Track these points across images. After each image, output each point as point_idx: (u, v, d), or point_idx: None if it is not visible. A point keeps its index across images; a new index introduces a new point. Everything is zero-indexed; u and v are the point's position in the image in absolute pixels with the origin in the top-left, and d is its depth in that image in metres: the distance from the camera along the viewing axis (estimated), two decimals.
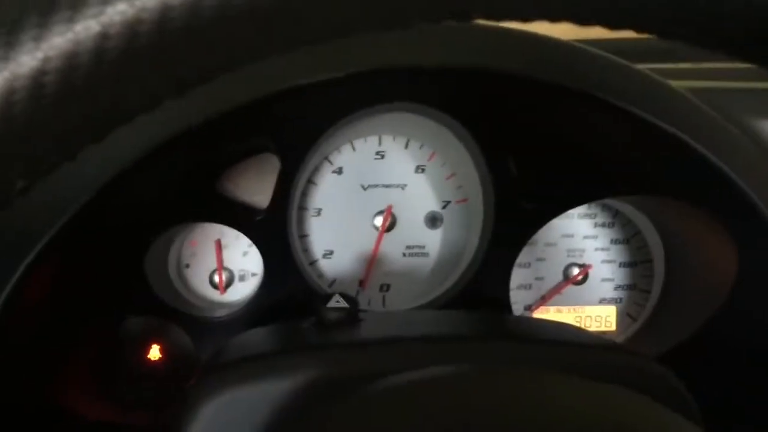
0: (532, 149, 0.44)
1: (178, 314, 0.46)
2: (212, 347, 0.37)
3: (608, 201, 0.51)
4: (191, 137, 0.35)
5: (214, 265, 0.50)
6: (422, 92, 0.40)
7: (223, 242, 0.50)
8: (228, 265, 0.51)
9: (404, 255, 0.52)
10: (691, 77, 0.48)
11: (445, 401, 0.22)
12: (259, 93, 0.35)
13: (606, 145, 0.41)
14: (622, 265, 0.53)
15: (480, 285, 0.47)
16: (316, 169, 0.51)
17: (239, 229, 0.44)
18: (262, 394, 0.29)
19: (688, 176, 0.40)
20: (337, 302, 0.37)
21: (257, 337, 0.35)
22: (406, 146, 0.51)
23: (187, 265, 0.50)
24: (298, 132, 0.41)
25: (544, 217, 0.45)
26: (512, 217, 0.45)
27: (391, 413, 0.21)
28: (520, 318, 0.48)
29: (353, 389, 0.23)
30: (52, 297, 0.39)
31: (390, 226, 0.51)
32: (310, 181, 0.51)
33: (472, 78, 0.37)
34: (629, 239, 0.52)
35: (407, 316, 0.42)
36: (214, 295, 0.51)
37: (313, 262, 0.51)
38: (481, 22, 0.17)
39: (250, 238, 0.44)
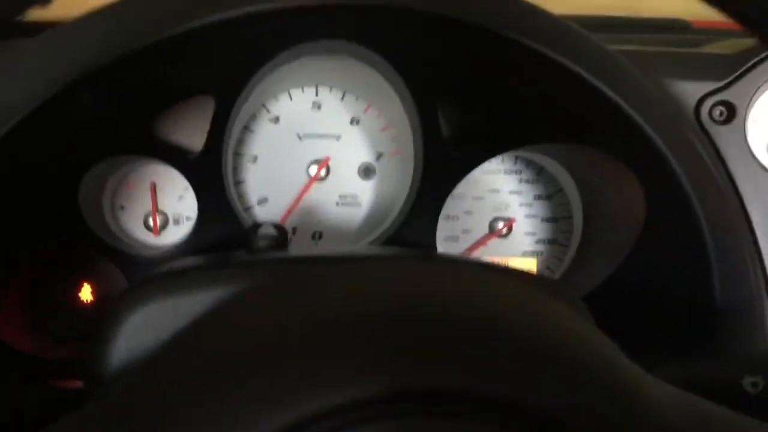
0: (460, 96, 0.46)
1: (112, 251, 0.47)
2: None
3: (533, 157, 0.54)
4: (123, 66, 0.36)
5: (149, 207, 0.51)
6: (354, 31, 0.41)
7: (158, 185, 0.51)
8: (163, 209, 0.51)
9: (337, 204, 0.53)
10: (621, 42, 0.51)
11: (343, 286, 0.23)
12: (192, 24, 0.36)
13: (530, 93, 0.44)
14: (543, 220, 0.56)
15: (408, 234, 0.49)
16: (253, 117, 0.52)
17: (174, 166, 0.45)
18: (187, 304, 0.30)
19: (604, 124, 0.42)
20: (268, 230, 0.38)
21: (186, 261, 0.36)
22: (342, 98, 0.53)
23: (122, 207, 0.51)
24: (232, 67, 0.42)
25: (470, 165, 0.47)
26: (440, 166, 0.47)
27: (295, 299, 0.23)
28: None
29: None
30: None
31: (324, 175, 0.53)
32: (247, 128, 0.52)
33: (402, 19, 0.38)
34: (552, 195, 0.55)
35: (335, 247, 0.44)
36: (149, 237, 0.51)
37: (247, 209, 0.52)
38: None
39: (185, 176, 0.45)
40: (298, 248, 0.39)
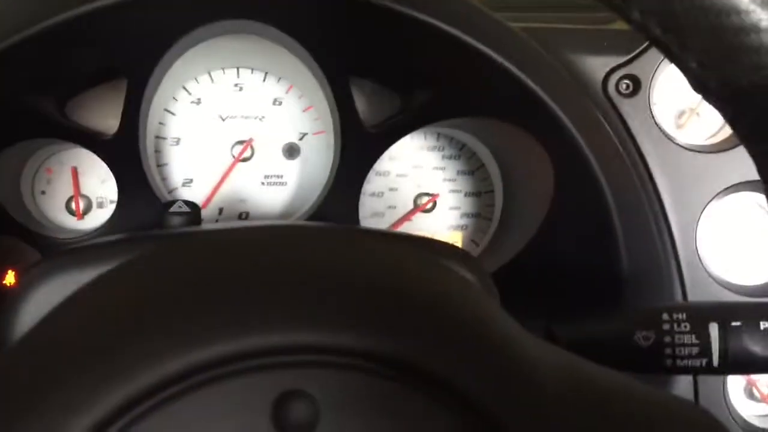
0: (374, 75, 0.47)
1: (33, 236, 0.47)
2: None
3: (454, 133, 0.55)
4: (30, 46, 0.36)
5: (70, 192, 0.51)
6: (259, 11, 0.42)
7: (79, 169, 0.51)
8: (85, 193, 0.51)
9: (262, 184, 0.54)
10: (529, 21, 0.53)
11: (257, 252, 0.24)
12: (95, 4, 0.36)
13: (437, 69, 0.45)
14: (467, 194, 0.57)
15: (331, 211, 0.50)
16: (174, 100, 0.52)
17: (90, 148, 0.45)
18: (84, 279, 0.30)
19: (509, 100, 0.44)
20: (179, 207, 0.38)
21: (94, 240, 0.36)
22: (264, 79, 0.53)
23: (43, 192, 0.51)
24: (140, 48, 0.42)
25: (388, 142, 0.48)
26: (358, 144, 0.48)
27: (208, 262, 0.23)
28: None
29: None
30: None
31: (249, 156, 0.53)
32: (168, 111, 0.52)
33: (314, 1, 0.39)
34: (474, 171, 0.57)
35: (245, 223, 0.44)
36: (71, 221, 0.51)
37: (172, 191, 0.53)
38: None
39: (102, 158, 0.45)
40: (211, 225, 0.40)
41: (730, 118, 0.23)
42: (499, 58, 0.41)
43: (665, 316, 0.36)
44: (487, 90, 0.44)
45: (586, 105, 0.45)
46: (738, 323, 0.35)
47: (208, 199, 0.53)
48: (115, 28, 0.39)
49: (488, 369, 0.21)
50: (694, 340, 0.35)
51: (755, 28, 0.21)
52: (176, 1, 0.38)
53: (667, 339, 0.35)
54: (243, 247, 0.23)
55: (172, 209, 0.38)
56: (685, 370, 0.35)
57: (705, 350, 0.35)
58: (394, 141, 0.49)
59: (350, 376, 0.20)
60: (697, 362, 0.35)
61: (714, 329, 0.35)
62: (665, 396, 0.25)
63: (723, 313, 0.35)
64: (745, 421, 0.51)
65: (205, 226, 0.40)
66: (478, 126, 0.51)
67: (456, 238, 0.57)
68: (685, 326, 0.35)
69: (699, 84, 0.23)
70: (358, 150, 0.49)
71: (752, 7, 0.21)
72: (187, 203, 0.39)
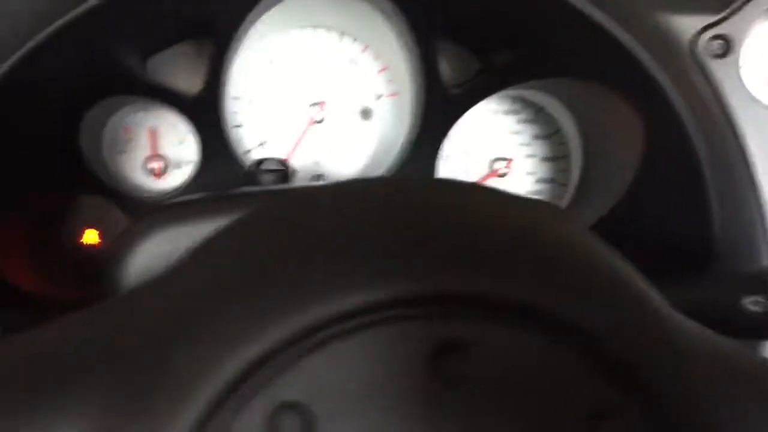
0: (460, 33, 0.46)
1: (115, 194, 0.47)
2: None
3: (531, 96, 0.54)
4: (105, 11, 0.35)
5: (148, 152, 0.51)
6: None
7: (158, 130, 0.51)
8: (163, 153, 0.51)
9: (336, 146, 0.54)
10: None
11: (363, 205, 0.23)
12: None
13: (531, 27, 0.44)
14: (543, 159, 0.56)
15: (408, 173, 0.50)
16: (250, 60, 0.52)
17: (175, 107, 0.45)
18: (198, 232, 0.30)
19: (604, 59, 0.42)
20: (271, 165, 0.38)
21: (193, 196, 0.36)
22: (340, 39, 0.53)
23: (122, 152, 0.51)
24: (228, 6, 0.42)
25: (469, 104, 0.47)
26: (438, 106, 0.47)
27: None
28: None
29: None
30: None
31: (322, 118, 0.53)
32: (244, 71, 0.51)
33: None
34: (550, 135, 0.55)
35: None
36: (149, 182, 0.51)
37: (246, 152, 0.52)
38: None
39: (187, 117, 0.45)
40: (304, 184, 0.39)
41: None
42: (595, 15, 0.39)
43: None
44: (578, 49, 0.43)
45: (683, 67, 0.43)
46: None
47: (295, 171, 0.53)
48: None
49: (633, 325, 0.21)
50: None
51: None
52: None
53: None
54: (379, 198, 0.22)
55: (263, 166, 0.38)
56: None
57: None
58: (475, 103, 0.48)
59: (507, 330, 0.19)
60: None
61: None
62: None
63: None
64: None
65: (300, 184, 0.39)
66: (560, 87, 0.50)
67: None
68: None
69: None
70: (438, 112, 0.48)
71: None
72: (278, 161, 0.39)
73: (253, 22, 0.45)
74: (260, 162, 0.38)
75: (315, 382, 0.19)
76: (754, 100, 0.49)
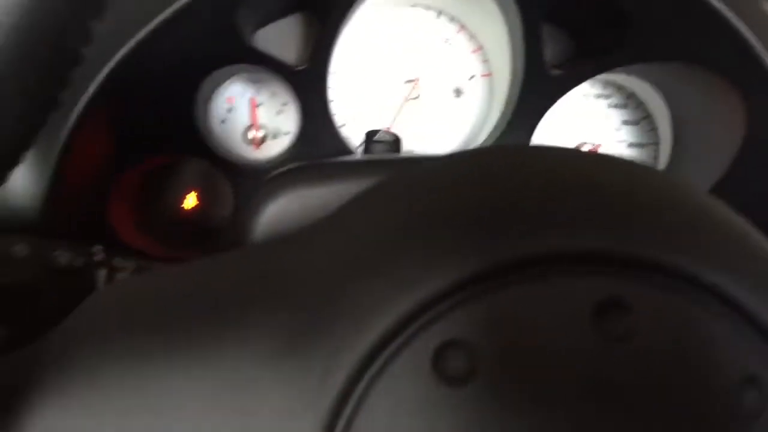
0: (562, 15, 0.46)
1: (222, 161, 0.49)
2: (252, 193, 0.39)
3: (623, 81, 0.54)
4: None
5: (248, 122, 0.53)
6: None
7: (257, 100, 0.53)
8: (262, 123, 0.53)
9: (428, 123, 0.55)
10: None
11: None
12: None
13: (637, 8, 0.44)
14: (630, 145, 0.56)
15: None
16: (349, 35, 0.53)
17: (282, 75, 0.46)
18: (326, 194, 0.31)
19: (711, 41, 0.42)
20: (384, 136, 0.39)
21: (314, 161, 0.38)
22: (437, 18, 0.53)
23: (223, 121, 0.53)
24: None
25: (569, 85, 0.48)
26: (537, 85, 0.48)
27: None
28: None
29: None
30: (108, 135, 0.42)
31: (416, 95, 0.54)
32: (344, 46, 0.53)
33: None
34: (639, 121, 0.56)
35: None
36: (248, 151, 0.53)
37: (341, 126, 0.54)
38: None
39: (293, 87, 0.47)
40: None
41: None
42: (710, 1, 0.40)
43: None
44: (683, 31, 0.43)
45: None
46: None
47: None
48: None
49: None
50: None
51: None
52: None
53: None
54: (521, 160, 0.23)
55: (376, 138, 0.39)
56: None
57: None
58: (574, 85, 0.48)
59: (668, 291, 0.20)
60: None
61: None
62: None
63: None
64: None
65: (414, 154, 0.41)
66: (655, 72, 0.50)
67: None
68: None
69: None
70: (536, 92, 0.48)
71: None
72: (389, 133, 0.40)
73: (358, 6, 0.47)
74: (374, 133, 0.40)
75: (482, 326, 0.20)
76: None
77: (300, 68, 0.46)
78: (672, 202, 0.22)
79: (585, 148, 0.56)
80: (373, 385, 0.20)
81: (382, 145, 0.40)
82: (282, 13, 0.48)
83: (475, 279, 0.20)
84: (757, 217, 0.47)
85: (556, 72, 0.48)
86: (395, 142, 0.40)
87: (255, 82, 0.52)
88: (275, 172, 0.34)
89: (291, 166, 0.34)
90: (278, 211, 0.31)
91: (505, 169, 0.22)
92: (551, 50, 0.51)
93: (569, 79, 0.47)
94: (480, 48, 0.54)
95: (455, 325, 0.20)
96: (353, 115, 0.54)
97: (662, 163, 0.55)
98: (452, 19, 0.53)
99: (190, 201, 0.52)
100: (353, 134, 0.54)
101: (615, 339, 0.20)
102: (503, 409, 0.20)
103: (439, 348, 0.20)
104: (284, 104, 0.52)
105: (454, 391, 0.20)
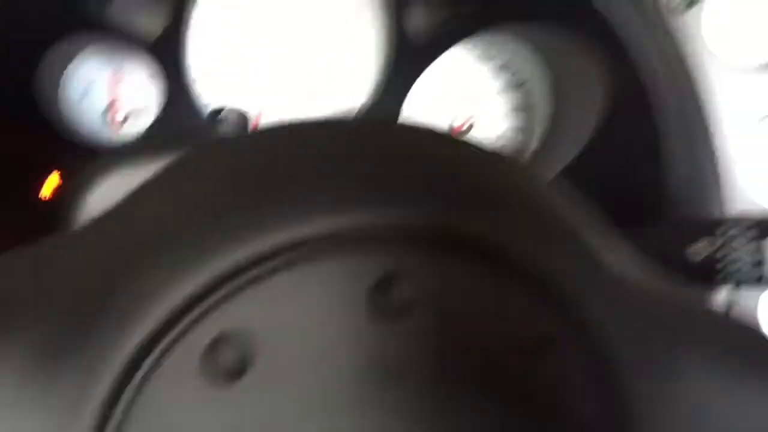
0: None
1: (73, 142, 0.47)
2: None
3: (498, 46, 0.54)
4: None
5: (107, 100, 0.50)
6: None
7: (117, 77, 0.50)
8: (122, 101, 0.51)
9: (305, 97, 0.53)
10: None
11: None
12: None
13: None
14: (510, 110, 0.56)
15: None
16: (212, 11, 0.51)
17: (135, 47, 0.44)
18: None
19: (566, 4, 0.42)
20: (229, 114, 0.38)
21: (146, 141, 0.36)
22: None
23: (82, 99, 0.50)
24: None
25: (433, 53, 0.47)
26: (403, 55, 0.47)
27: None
28: None
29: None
30: None
31: (290, 67, 0.52)
32: (204, 16, 0.51)
33: None
34: (518, 86, 0.56)
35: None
36: (108, 130, 0.51)
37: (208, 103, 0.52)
38: None
39: (148, 60, 0.45)
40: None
41: None
42: None
43: (720, 229, 0.35)
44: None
45: (645, 19, 0.43)
46: None
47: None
48: None
49: (574, 261, 0.21)
50: (749, 254, 0.35)
51: None
52: None
53: (720, 253, 0.35)
54: (325, 135, 0.22)
55: (222, 115, 0.38)
56: (739, 283, 0.35)
57: (760, 262, 0.35)
58: (440, 53, 0.48)
59: (446, 260, 0.19)
60: (752, 275, 0.35)
61: None
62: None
63: None
64: None
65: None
66: (528, 33, 0.50)
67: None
68: (742, 240, 0.35)
69: None
70: (402, 63, 0.48)
71: None
72: (235, 111, 0.38)
73: None
74: (218, 111, 0.38)
75: (256, 314, 0.19)
76: (715, 57, 0.50)
77: (155, 37, 0.44)
78: (455, 171, 0.21)
79: (466, 113, 0.55)
80: (142, 390, 0.19)
81: (227, 123, 0.38)
82: None
83: (243, 267, 0.19)
84: (617, 183, 0.48)
85: (420, 41, 0.47)
86: (242, 119, 0.38)
87: (114, 57, 0.49)
88: (103, 151, 0.32)
89: (120, 145, 0.32)
90: (102, 194, 0.30)
91: (277, 147, 0.21)
92: (421, 18, 0.50)
93: (433, 48, 0.47)
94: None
95: (227, 318, 0.19)
96: (222, 92, 0.52)
97: (540, 126, 0.56)
98: None
99: (48, 186, 0.49)
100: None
101: (393, 312, 0.19)
102: (279, 400, 0.19)
103: (211, 343, 0.19)
104: (144, 82, 0.50)
105: (226, 389, 0.19)
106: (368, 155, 0.21)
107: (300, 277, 0.19)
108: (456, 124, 0.55)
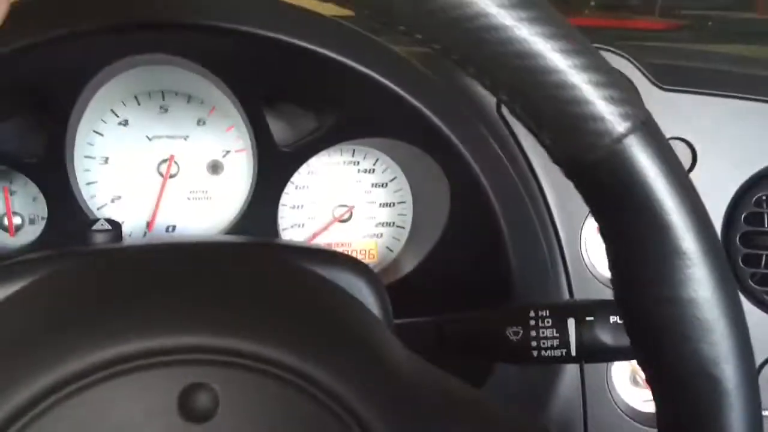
0: (286, 98, 0.51)
1: None
2: None
3: (366, 149, 0.60)
4: None
5: (3, 210, 0.54)
6: (177, 45, 0.46)
7: (11, 189, 0.54)
8: (18, 210, 0.55)
9: (188, 199, 0.58)
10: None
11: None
12: (25, 41, 0.40)
13: (341, 95, 0.50)
14: (381, 205, 0.62)
15: (251, 223, 0.55)
16: (103, 121, 0.56)
17: (20, 170, 0.48)
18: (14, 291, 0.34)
19: (406, 123, 0.49)
20: (101, 225, 0.42)
21: (24, 255, 0.40)
22: (188, 101, 0.57)
23: None
24: (65, 78, 0.46)
25: (300, 160, 0.53)
26: (273, 162, 0.53)
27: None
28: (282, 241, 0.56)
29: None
30: None
31: (174, 173, 0.57)
32: (96, 132, 0.55)
33: (215, 35, 0.43)
34: (387, 183, 0.62)
35: (168, 238, 0.48)
36: (5, 237, 0.54)
37: (101, 207, 0.56)
38: None
39: (31, 179, 0.49)
40: (129, 240, 0.44)
41: (579, 191, 0.26)
42: (390, 84, 0.46)
43: (531, 314, 0.41)
44: (386, 113, 0.49)
45: (477, 126, 0.50)
46: (591, 318, 0.40)
47: (152, 217, 0.57)
48: (40, 60, 0.43)
49: (355, 373, 0.26)
50: (555, 334, 0.40)
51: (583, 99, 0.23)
52: (99, 37, 0.41)
53: (533, 333, 0.41)
54: (156, 262, 0.27)
55: (94, 227, 0.42)
56: (549, 360, 0.41)
57: (564, 342, 0.40)
58: (306, 158, 0.54)
59: (246, 375, 0.24)
60: (558, 352, 0.40)
61: (571, 324, 0.40)
62: (514, 416, 0.31)
63: (579, 309, 0.41)
64: (628, 406, 0.57)
65: (126, 241, 0.44)
66: (384, 144, 0.56)
67: (371, 246, 0.62)
68: (548, 321, 0.40)
69: (554, 158, 0.25)
70: (273, 167, 0.53)
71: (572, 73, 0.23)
72: (110, 221, 0.43)
73: (95, 90, 0.50)
74: (93, 222, 0.42)
75: (77, 422, 0.23)
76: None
77: (34, 161, 0.48)
78: (269, 301, 0.26)
79: (340, 210, 0.61)
80: None
81: (102, 234, 0.42)
82: (16, 112, 0.50)
83: (66, 381, 0.23)
84: (464, 275, 0.53)
85: (286, 149, 0.52)
86: (116, 230, 0.43)
87: (6, 172, 0.54)
88: None
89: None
90: None
91: (121, 271, 0.26)
92: (294, 127, 0.56)
93: (299, 155, 0.53)
94: (233, 125, 0.58)
95: (52, 423, 0.23)
96: (114, 196, 0.56)
97: (409, 219, 0.61)
98: (203, 101, 0.57)
99: None
100: (115, 213, 0.56)
101: (198, 418, 0.24)
102: None
103: None
104: (39, 191, 0.54)
105: None
106: (188, 282, 0.27)
107: (118, 388, 0.24)
108: (337, 215, 0.61)
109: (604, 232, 0.25)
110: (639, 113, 0.23)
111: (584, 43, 0.23)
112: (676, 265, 0.23)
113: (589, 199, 0.25)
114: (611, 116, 0.23)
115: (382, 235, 0.62)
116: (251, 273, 0.30)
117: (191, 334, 0.25)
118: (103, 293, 0.27)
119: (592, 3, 1.03)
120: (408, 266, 0.59)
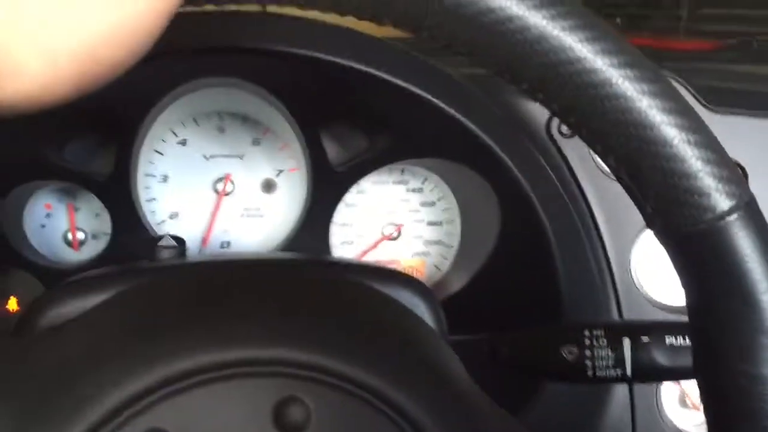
0: (341, 119, 0.53)
1: (33, 266, 0.52)
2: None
3: (415, 169, 0.61)
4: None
5: (68, 225, 0.56)
6: (241, 68, 0.48)
7: (75, 205, 0.56)
8: (81, 226, 0.57)
9: (242, 216, 0.60)
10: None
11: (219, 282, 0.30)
12: None
13: (396, 116, 0.51)
14: (429, 223, 0.63)
15: (304, 241, 0.56)
16: (163, 141, 0.58)
17: (87, 188, 0.51)
18: (81, 306, 0.35)
19: (456, 142, 0.50)
20: (167, 242, 0.44)
21: (93, 271, 0.42)
22: (244, 122, 0.59)
23: (43, 226, 0.56)
24: (134, 99, 0.48)
25: (353, 179, 0.54)
26: (326, 181, 0.54)
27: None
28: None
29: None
30: None
31: (229, 191, 0.59)
32: (157, 151, 0.58)
33: (281, 60, 0.45)
34: (435, 202, 0.63)
35: (233, 254, 0.50)
36: (69, 252, 0.57)
37: (160, 223, 0.58)
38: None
39: (97, 196, 0.51)
40: (195, 256, 0.45)
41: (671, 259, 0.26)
42: (442, 105, 0.47)
43: (586, 332, 0.42)
44: (437, 134, 0.50)
45: (527, 145, 0.51)
46: (647, 338, 0.40)
47: (206, 234, 0.59)
48: (112, 81, 0.45)
49: (426, 391, 0.28)
50: (610, 353, 0.41)
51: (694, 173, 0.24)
52: (170, 60, 0.43)
53: (588, 353, 0.41)
54: (241, 277, 0.29)
55: (160, 243, 0.44)
56: (604, 380, 0.41)
57: (619, 361, 0.41)
58: (358, 178, 0.55)
59: (339, 396, 0.26)
60: (613, 372, 0.41)
61: (627, 344, 0.41)
62: None
63: (634, 329, 0.41)
64: (677, 428, 0.57)
65: (190, 258, 0.45)
66: (435, 164, 0.57)
67: (419, 264, 0.63)
68: (603, 341, 0.41)
69: (650, 223, 0.26)
70: (326, 187, 0.55)
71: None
72: (175, 238, 0.44)
73: (161, 111, 0.52)
74: (159, 239, 0.44)
75: (180, 417, 0.25)
76: (602, 173, 0.57)
77: (101, 179, 0.50)
78: (355, 323, 0.28)
79: (389, 229, 0.62)
80: None
81: (167, 250, 0.44)
82: (86, 130, 0.52)
83: (172, 379, 0.25)
84: (515, 293, 0.54)
85: (340, 168, 0.54)
86: (180, 246, 0.44)
87: (70, 192, 0.56)
88: (61, 284, 0.38)
89: (76, 277, 0.38)
90: (45, 327, 0.35)
91: (205, 284, 0.28)
92: (346, 147, 0.58)
93: (351, 174, 0.54)
94: (286, 145, 0.60)
95: (158, 416, 0.25)
96: (172, 213, 0.58)
97: (457, 237, 0.62)
98: (258, 122, 0.59)
99: (12, 304, 0.54)
100: (172, 229, 0.58)
101: (292, 428, 0.26)
102: None
103: None
104: (102, 207, 0.56)
105: None
106: (280, 297, 0.28)
107: (219, 391, 0.25)
108: (386, 233, 0.62)
109: (690, 300, 0.26)
110: (744, 194, 0.24)
111: (698, 120, 0.24)
112: (763, 344, 0.23)
113: (681, 269, 0.26)
114: (717, 193, 0.23)
115: (429, 253, 0.63)
116: (334, 293, 0.32)
117: (291, 348, 0.26)
118: (203, 303, 0.29)
119: (618, 21, 1.03)
120: (456, 284, 0.60)
